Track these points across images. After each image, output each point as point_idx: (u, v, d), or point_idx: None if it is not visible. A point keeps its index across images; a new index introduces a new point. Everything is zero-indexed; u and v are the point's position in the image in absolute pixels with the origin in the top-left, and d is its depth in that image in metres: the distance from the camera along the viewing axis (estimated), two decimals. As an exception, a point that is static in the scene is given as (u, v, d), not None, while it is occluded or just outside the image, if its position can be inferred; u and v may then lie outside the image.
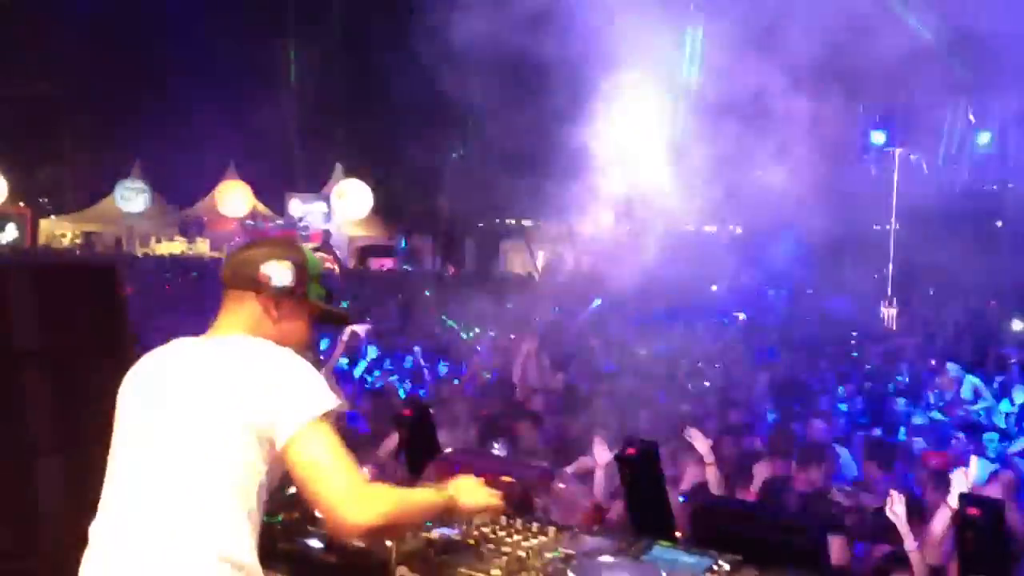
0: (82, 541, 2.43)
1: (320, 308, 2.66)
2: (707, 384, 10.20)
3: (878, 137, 23.32)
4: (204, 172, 32.09)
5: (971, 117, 22.78)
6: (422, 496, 2.60)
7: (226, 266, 2.64)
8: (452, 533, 2.96)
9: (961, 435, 7.39)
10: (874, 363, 12.21)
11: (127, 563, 2.30)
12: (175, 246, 30.76)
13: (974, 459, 4.70)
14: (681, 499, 4.98)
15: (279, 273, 2.55)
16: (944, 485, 4.22)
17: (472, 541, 2.90)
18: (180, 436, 2.36)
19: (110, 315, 3.70)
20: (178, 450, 2.35)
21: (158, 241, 31.78)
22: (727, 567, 2.75)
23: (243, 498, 2.36)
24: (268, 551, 2.51)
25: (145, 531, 2.31)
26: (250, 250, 2.64)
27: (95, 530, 2.41)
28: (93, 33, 29.52)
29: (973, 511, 3.02)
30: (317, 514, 2.47)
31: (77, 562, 2.42)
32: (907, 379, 10.80)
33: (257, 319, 2.55)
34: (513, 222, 36.14)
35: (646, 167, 25.21)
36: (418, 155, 29.29)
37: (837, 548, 4.21)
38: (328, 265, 26.60)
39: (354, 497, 2.30)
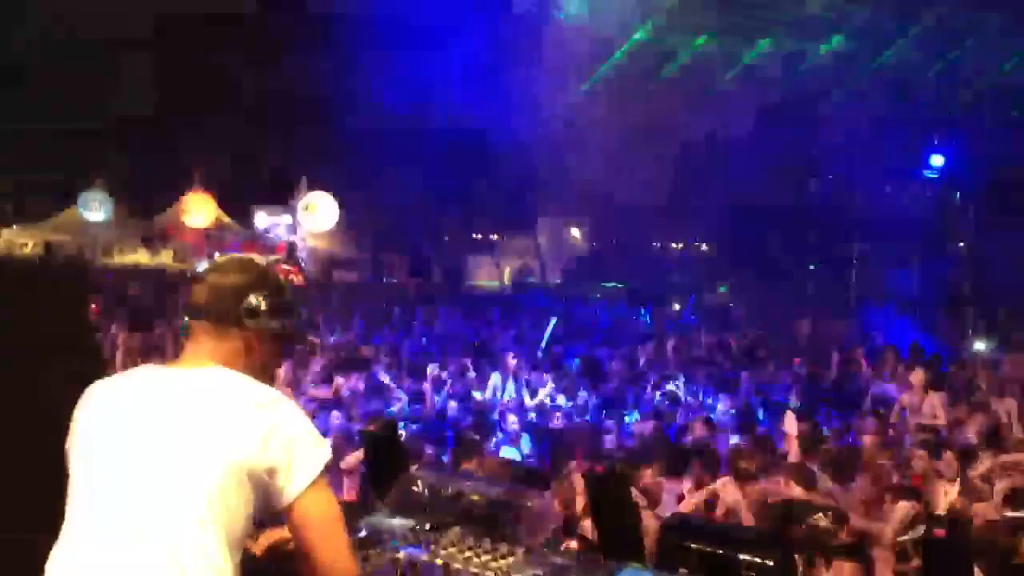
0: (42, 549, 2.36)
1: (294, 334, 2.65)
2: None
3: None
4: (168, 183, 31.81)
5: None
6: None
7: (199, 295, 2.51)
8: (420, 554, 2.93)
9: None
10: None
11: None
12: (138, 257, 30.44)
13: None
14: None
15: (264, 309, 2.49)
16: None
17: (440, 562, 2.87)
18: (169, 473, 2.28)
19: (71, 318, 3.64)
20: (167, 488, 2.26)
21: (121, 251, 31.43)
22: (696, 590, 2.74)
23: (234, 543, 2.32)
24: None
25: (130, 569, 2.23)
26: (226, 279, 2.51)
27: (60, 564, 2.31)
28: (57, 41, 29.18)
29: (939, 533, 3.04)
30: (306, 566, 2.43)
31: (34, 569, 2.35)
32: None
33: (237, 352, 2.48)
34: (480, 236, 36.21)
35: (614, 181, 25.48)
36: (386, 169, 29.26)
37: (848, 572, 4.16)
38: (292, 278, 26.47)
39: (348, 557, 2.40)
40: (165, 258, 30.39)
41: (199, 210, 31.75)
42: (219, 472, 2.27)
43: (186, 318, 2.56)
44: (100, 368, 3.98)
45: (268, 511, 2.43)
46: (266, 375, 2.53)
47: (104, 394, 2.45)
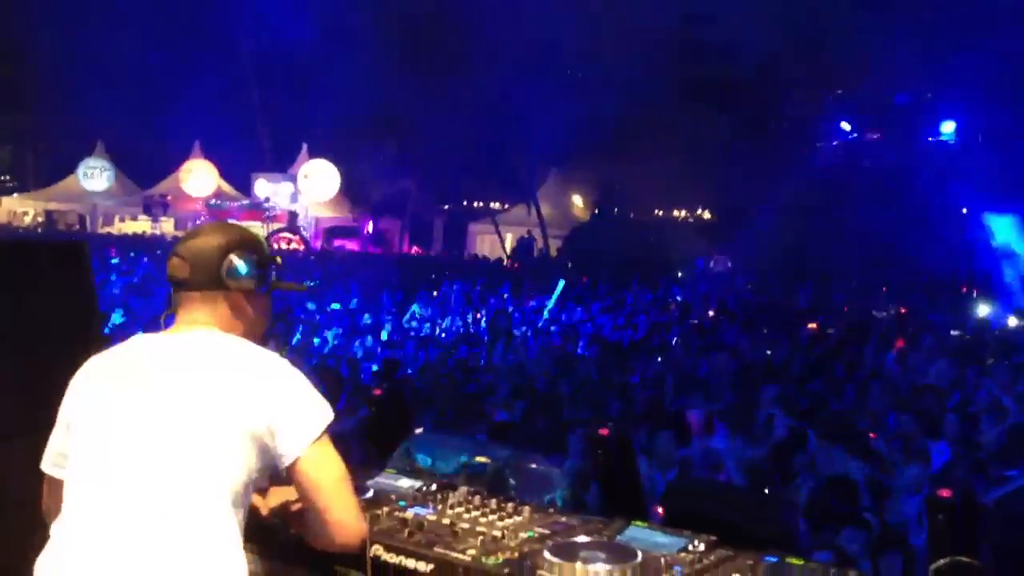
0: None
1: (284, 287, 2.67)
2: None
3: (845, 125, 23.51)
4: (169, 151, 31.71)
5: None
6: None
7: (180, 266, 2.48)
8: (426, 513, 2.93)
9: None
10: None
11: (115, 565, 2.22)
12: (139, 225, 30.38)
13: None
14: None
15: (247, 270, 2.48)
16: None
17: (447, 521, 2.88)
18: (174, 439, 2.28)
19: (77, 294, 3.63)
20: (172, 453, 2.27)
21: (121, 220, 31.37)
22: (702, 547, 2.74)
23: (236, 500, 2.34)
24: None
25: (133, 535, 2.23)
26: (203, 244, 2.49)
27: (65, 530, 2.31)
28: (57, 11, 28.98)
29: (944, 493, 3.05)
30: (315, 525, 2.49)
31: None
32: None
33: (226, 315, 2.48)
34: (481, 204, 36.15)
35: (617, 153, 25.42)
36: (386, 137, 29.16)
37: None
38: (294, 246, 26.45)
39: (357, 515, 2.47)
40: (166, 227, 30.32)
41: (200, 179, 31.65)
42: (219, 435, 2.28)
43: (171, 290, 2.53)
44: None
45: (273, 471, 2.45)
46: (257, 333, 2.55)
47: (102, 365, 2.45)
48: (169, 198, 31.13)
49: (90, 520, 2.27)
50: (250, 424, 2.30)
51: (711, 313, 16.17)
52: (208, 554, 2.27)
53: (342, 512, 2.41)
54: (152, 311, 12.54)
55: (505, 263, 28.43)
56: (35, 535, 2.41)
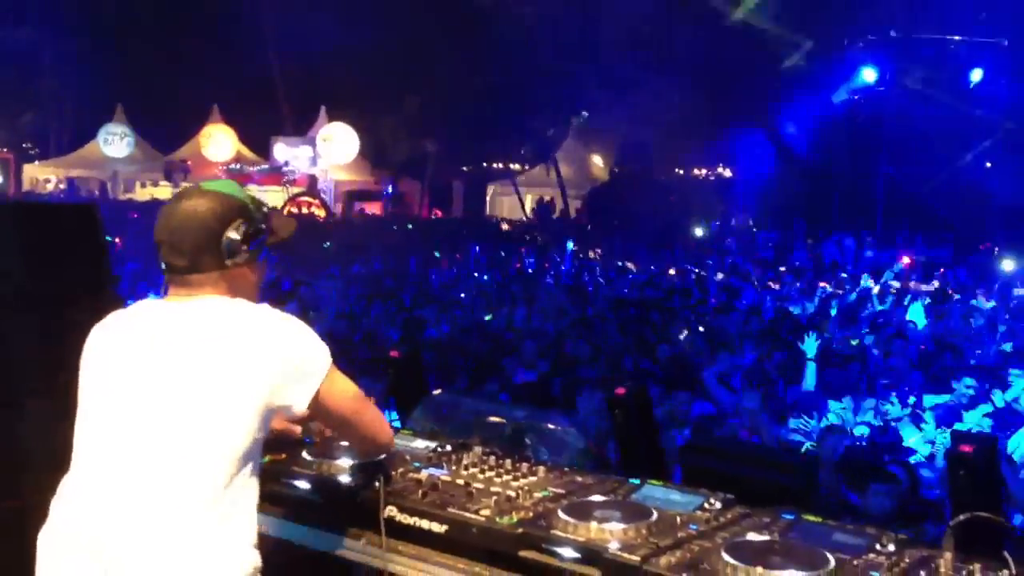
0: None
1: (279, 241, 2.57)
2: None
3: (869, 75, 23.14)
4: (188, 116, 31.70)
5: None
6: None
7: (173, 254, 2.37)
8: (441, 473, 2.93)
9: None
10: None
11: (126, 523, 2.23)
12: (160, 191, 30.47)
13: None
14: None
15: (244, 239, 2.39)
16: None
17: (461, 481, 2.88)
18: (187, 403, 2.27)
19: (92, 256, 3.64)
20: (185, 417, 2.27)
21: (143, 186, 31.47)
22: (718, 505, 2.73)
23: (249, 461, 2.35)
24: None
25: (140, 499, 2.24)
26: (195, 223, 2.35)
27: (75, 485, 2.34)
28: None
29: (965, 448, 3.01)
30: (347, 442, 2.82)
31: None
32: None
33: (234, 290, 2.42)
34: (500, 166, 35.99)
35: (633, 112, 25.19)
36: (404, 99, 29.00)
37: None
38: (315, 210, 26.45)
39: (382, 427, 2.72)
40: (187, 193, 30.39)
41: (219, 143, 31.64)
42: (222, 403, 2.27)
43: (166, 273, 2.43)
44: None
45: (289, 419, 2.63)
46: (257, 289, 2.53)
47: (112, 328, 2.44)
48: (189, 163, 31.16)
49: (93, 480, 2.30)
50: (253, 389, 2.30)
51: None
52: (217, 518, 2.27)
53: (368, 429, 2.65)
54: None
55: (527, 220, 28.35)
56: (49, 495, 2.42)
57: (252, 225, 2.43)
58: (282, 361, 2.33)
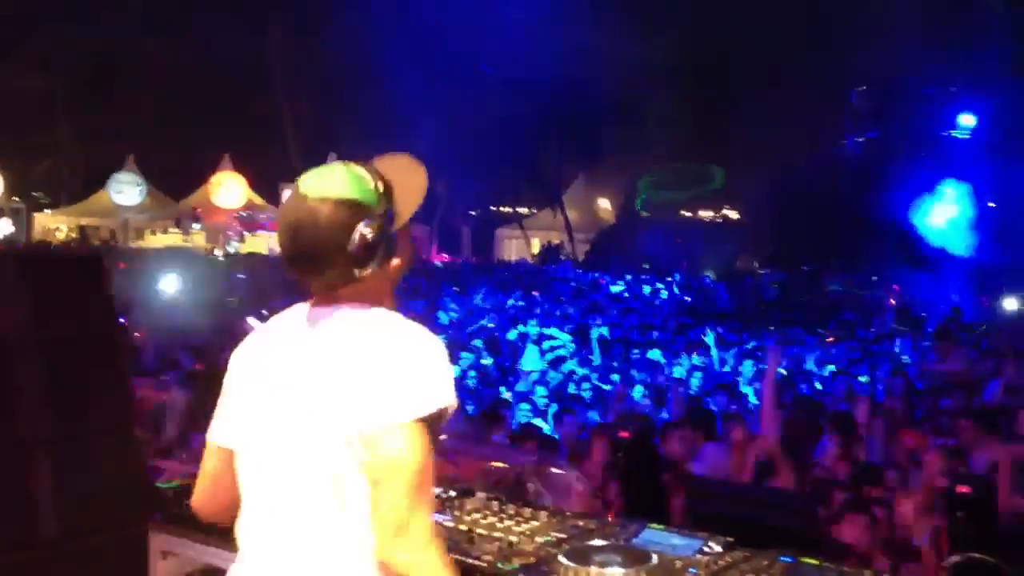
0: (80, 531, 2.37)
1: (409, 220, 2.22)
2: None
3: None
4: (199, 164, 32.01)
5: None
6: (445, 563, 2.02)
7: (299, 264, 2.10)
8: (443, 519, 2.97)
9: None
10: None
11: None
12: (170, 238, 30.68)
13: None
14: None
15: (376, 239, 2.07)
16: None
17: (464, 527, 2.91)
18: (299, 433, 2.08)
19: (98, 304, 3.70)
20: (299, 451, 2.08)
21: (153, 233, 31.69)
22: (718, 548, 2.76)
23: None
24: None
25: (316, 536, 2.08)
26: (315, 221, 2.05)
27: (250, 536, 2.19)
28: (85, 25, 29.38)
29: (963, 489, 3.04)
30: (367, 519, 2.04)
31: (76, 552, 2.38)
32: None
33: (375, 294, 2.14)
34: (509, 210, 36.21)
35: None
36: (414, 143, 29.25)
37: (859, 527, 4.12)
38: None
39: (402, 527, 1.95)
40: (197, 239, 30.59)
41: (230, 190, 31.92)
42: (328, 433, 2.05)
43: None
44: (125, 363, 4.03)
45: None
46: (398, 283, 2.25)
47: (266, 337, 2.25)
48: (199, 211, 31.43)
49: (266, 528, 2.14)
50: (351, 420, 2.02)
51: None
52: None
53: (391, 508, 1.96)
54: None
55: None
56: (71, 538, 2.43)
57: (386, 216, 2.11)
58: (387, 375, 2.01)
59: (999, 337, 12.72)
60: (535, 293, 18.02)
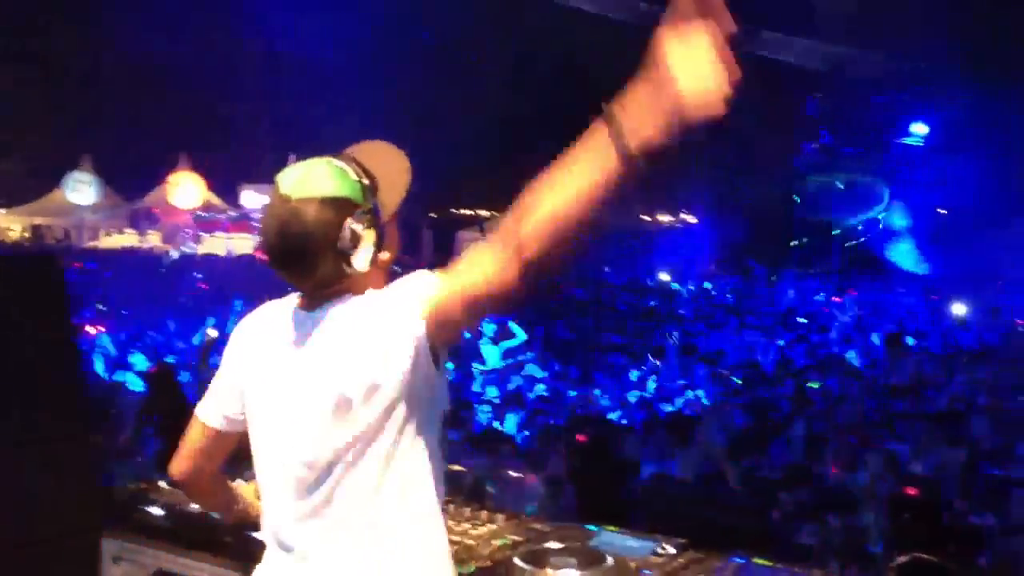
0: (31, 536, 2.36)
1: (396, 205, 2.18)
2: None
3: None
4: (155, 163, 31.64)
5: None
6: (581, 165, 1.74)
7: (287, 267, 2.06)
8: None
9: None
10: None
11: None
12: (126, 239, 30.33)
13: None
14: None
15: (366, 233, 2.04)
16: None
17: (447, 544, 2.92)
18: (365, 410, 1.99)
19: (52, 305, 3.66)
20: (364, 428, 2.00)
21: (108, 234, 31.30)
22: (672, 550, 2.80)
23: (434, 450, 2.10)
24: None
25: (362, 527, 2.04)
26: (299, 221, 1.99)
27: (277, 533, 2.15)
28: (38, 24, 28.94)
29: (910, 491, 3.10)
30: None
31: (27, 558, 2.35)
32: None
33: (364, 288, 2.09)
34: (470, 212, 36.18)
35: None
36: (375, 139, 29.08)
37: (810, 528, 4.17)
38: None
39: (502, 257, 1.82)
40: (153, 240, 30.26)
41: (186, 190, 31.60)
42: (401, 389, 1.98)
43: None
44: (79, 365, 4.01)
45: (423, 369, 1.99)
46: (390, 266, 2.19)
47: (264, 326, 2.21)
48: (156, 211, 31.08)
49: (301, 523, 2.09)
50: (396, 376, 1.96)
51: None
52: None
53: (492, 278, 1.84)
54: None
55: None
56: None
57: (374, 209, 2.07)
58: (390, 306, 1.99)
59: (950, 343, 12.95)
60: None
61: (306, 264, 2.02)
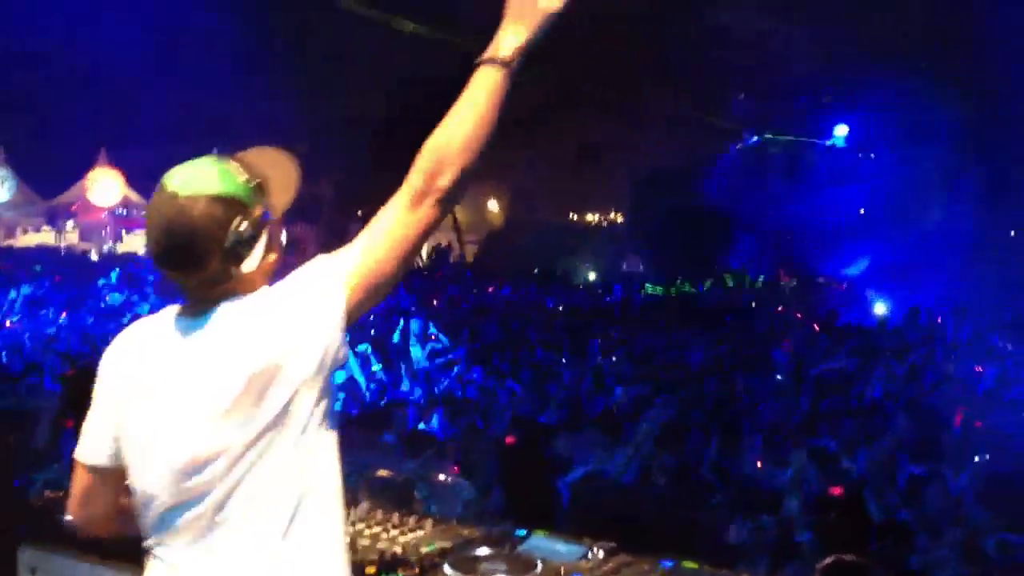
0: None
1: (282, 208, 2.16)
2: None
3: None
4: (74, 160, 30.81)
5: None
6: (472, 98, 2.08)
7: (173, 269, 2.03)
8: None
9: None
10: None
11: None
12: (43, 237, 29.49)
13: None
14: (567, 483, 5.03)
15: (244, 244, 2.00)
16: None
17: (346, 537, 2.86)
18: (256, 420, 1.94)
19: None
20: (260, 438, 1.95)
21: (24, 232, 30.40)
22: (601, 554, 2.78)
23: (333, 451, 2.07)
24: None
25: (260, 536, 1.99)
26: (192, 222, 1.97)
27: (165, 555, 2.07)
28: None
29: (835, 491, 3.14)
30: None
31: None
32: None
33: (250, 286, 2.06)
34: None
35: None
36: (299, 138, 28.77)
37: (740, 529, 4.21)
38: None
39: (417, 193, 2.01)
40: (72, 238, 29.48)
41: (106, 187, 30.83)
42: (300, 389, 1.96)
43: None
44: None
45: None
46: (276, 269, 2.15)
47: (139, 344, 2.13)
48: (74, 208, 30.28)
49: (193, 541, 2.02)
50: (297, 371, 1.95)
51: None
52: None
53: (404, 220, 2.01)
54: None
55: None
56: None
57: (262, 210, 2.06)
58: (297, 298, 2.00)
59: (877, 340, 13.22)
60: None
61: (192, 262, 1.99)
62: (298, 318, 1.97)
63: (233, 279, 2.02)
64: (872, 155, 23.92)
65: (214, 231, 1.97)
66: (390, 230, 2.01)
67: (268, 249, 2.07)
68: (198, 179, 2.00)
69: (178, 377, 2.02)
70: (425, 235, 2.06)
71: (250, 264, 2.02)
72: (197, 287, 2.04)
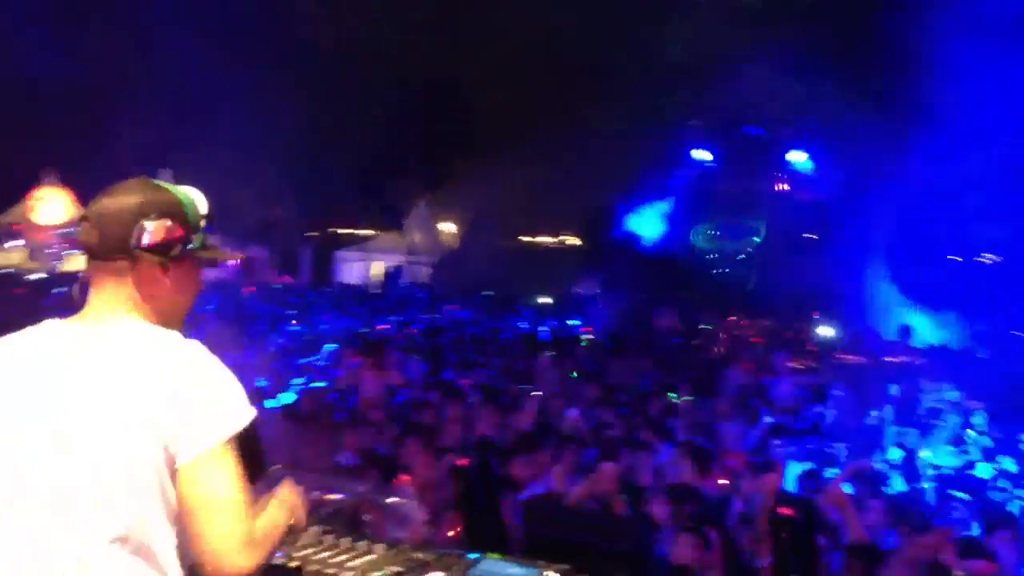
0: None
1: (211, 258, 2.33)
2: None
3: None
4: (19, 178, 30.25)
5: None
6: (276, 516, 2.26)
7: (87, 230, 2.17)
8: (275, 556, 2.84)
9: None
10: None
11: None
12: (-11, 257, 28.87)
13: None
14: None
15: (160, 235, 2.15)
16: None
17: (296, 564, 2.81)
18: (84, 456, 1.98)
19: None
20: (86, 474, 1.98)
21: (-34, 252, 29.75)
22: (555, 577, 2.76)
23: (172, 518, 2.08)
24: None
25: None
26: (118, 203, 2.16)
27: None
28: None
29: (786, 511, 3.14)
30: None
31: None
32: None
33: (141, 292, 2.15)
34: (350, 232, 35.77)
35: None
36: (256, 162, 28.58)
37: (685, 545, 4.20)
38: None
39: (243, 545, 2.04)
40: (17, 258, 28.87)
41: (52, 206, 30.29)
42: (145, 452, 2.00)
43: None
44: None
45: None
46: (180, 311, 2.25)
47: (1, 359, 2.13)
48: (19, 227, 29.69)
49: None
50: (160, 433, 2.01)
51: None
52: None
53: (222, 542, 2.02)
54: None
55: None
56: None
57: (177, 220, 2.19)
58: (186, 406, 2.03)
59: (821, 361, 13.39)
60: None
61: (101, 249, 2.15)
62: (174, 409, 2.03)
63: (129, 278, 2.15)
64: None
65: (135, 214, 2.15)
66: (217, 519, 2.03)
67: (176, 274, 2.21)
68: (121, 187, 2.25)
69: (54, 407, 2.03)
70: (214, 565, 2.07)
71: (152, 265, 2.16)
72: (96, 269, 2.17)
